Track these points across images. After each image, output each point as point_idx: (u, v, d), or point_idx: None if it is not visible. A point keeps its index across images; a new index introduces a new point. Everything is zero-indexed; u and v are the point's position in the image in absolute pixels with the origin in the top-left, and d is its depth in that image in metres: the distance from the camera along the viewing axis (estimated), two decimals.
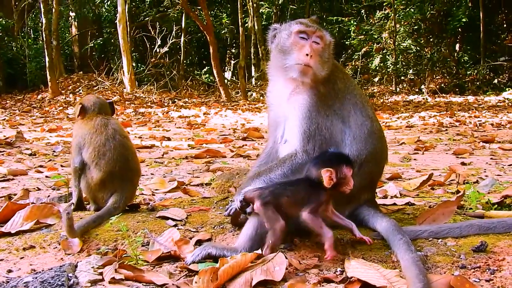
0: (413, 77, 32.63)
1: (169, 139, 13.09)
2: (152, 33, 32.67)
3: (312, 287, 3.26)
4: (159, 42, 33.11)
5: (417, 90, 31.19)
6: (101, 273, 3.51)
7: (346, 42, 33.85)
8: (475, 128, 14.96)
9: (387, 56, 32.18)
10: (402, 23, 32.19)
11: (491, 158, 9.09)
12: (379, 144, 4.13)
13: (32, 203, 5.00)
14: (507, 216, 4.25)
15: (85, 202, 5.01)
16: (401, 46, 32.11)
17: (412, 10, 31.78)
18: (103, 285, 3.40)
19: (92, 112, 4.97)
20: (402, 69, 32.22)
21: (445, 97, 28.25)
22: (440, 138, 12.62)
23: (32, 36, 38.50)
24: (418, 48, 32.63)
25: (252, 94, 30.47)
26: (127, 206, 4.82)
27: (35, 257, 3.93)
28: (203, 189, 6.67)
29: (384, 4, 33.03)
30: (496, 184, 6.16)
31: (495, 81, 31.61)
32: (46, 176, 7.62)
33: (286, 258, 3.49)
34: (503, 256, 3.47)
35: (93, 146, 4.74)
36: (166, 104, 25.61)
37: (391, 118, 18.56)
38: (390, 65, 31.86)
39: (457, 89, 30.88)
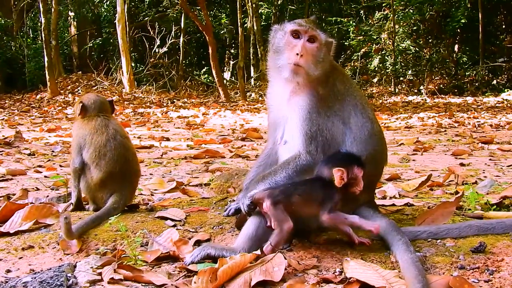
0: (412, 78, 32.65)
1: (168, 139, 13.08)
2: (151, 33, 32.64)
3: (311, 287, 3.26)
4: (158, 42, 33.10)
5: (416, 91, 31.21)
6: (100, 273, 3.51)
7: (345, 43, 33.86)
8: (474, 129, 14.96)
9: (386, 57, 32.20)
10: (401, 24, 32.22)
11: (490, 159, 9.10)
12: (379, 145, 4.13)
13: (31, 203, 5.00)
14: (506, 217, 4.25)
15: (84, 202, 5.01)
16: (400, 47, 32.12)
17: (411, 11, 31.82)
18: (102, 285, 3.41)
19: (93, 111, 4.96)
20: (401, 70, 32.25)
21: (444, 98, 28.27)
22: (439, 139, 12.63)
23: (31, 35, 38.52)
24: (417, 49, 32.66)
25: (251, 95, 30.46)
26: (126, 206, 4.82)
27: (34, 257, 3.93)
28: (202, 190, 6.67)
29: (383, 5, 33.06)
30: (495, 185, 6.17)
31: (494, 82, 31.65)
32: (45, 176, 7.62)
33: (285, 258, 3.49)
34: (502, 256, 3.48)
35: (93, 146, 4.73)
36: (165, 104, 25.60)
37: (390, 119, 18.56)
38: (389, 65, 31.88)
39: (456, 90, 30.90)
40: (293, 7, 38.72)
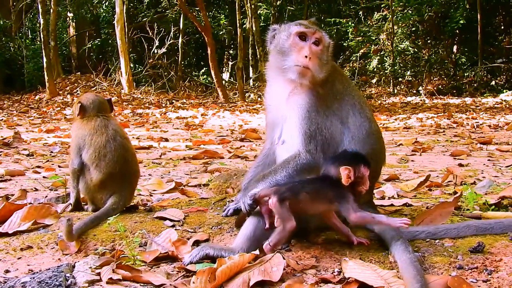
0: (410, 78, 32.71)
1: (166, 140, 13.08)
2: (150, 34, 32.65)
3: (309, 287, 3.26)
4: (157, 43, 33.10)
5: (414, 91, 31.27)
6: (98, 274, 3.51)
7: (344, 44, 33.91)
8: (473, 130, 14.98)
9: (384, 58, 32.24)
10: (400, 24, 32.27)
11: (489, 160, 9.10)
12: (377, 145, 4.14)
13: (30, 203, 5.00)
14: (504, 217, 4.25)
15: (82, 203, 5.00)
16: (399, 48, 32.17)
17: (410, 12, 31.86)
18: (101, 285, 3.41)
19: (92, 111, 4.95)
20: (399, 70, 32.28)
21: (443, 99, 28.30)
22: (437, 140, 12.63)
23: (30, 36, 38.50)
24: (416, 50, 32.71)
25: (250, 95, 30.47)
26: (125, 207, 4.81)
27: (33, 258, 3.93)
28: (201, 190, 6.66)
29: (382, 6, 33.09)
30: (494, 185, 6.17)
31: (493, 82, 31.71)
32: (44, 177, 7.61)
33: (284, 258, 3.49)
34: (500, 257, 3.48)
35: (93, 147, 4.72)
36: (163, 105, 25.60)
37: (388, 120, 18.58)
38: (388, 66, 31.92)
39: (454, 91, 30.95)
40: (292, 8, 38.76)
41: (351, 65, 33.80)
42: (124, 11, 29.77)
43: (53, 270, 3.53)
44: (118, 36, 28.45)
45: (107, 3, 36.27)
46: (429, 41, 33.41)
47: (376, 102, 27.55)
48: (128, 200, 4.85)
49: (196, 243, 4.00)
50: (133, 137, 12.98)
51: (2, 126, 16.79)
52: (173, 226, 4.29)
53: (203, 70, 38.19)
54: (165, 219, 4.42)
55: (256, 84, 33.06)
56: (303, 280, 3.37)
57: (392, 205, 4.96)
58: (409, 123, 17.42)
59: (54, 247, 4.04)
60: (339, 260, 3.58)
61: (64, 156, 9.80)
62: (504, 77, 32.16)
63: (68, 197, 5.24)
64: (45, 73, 27.70)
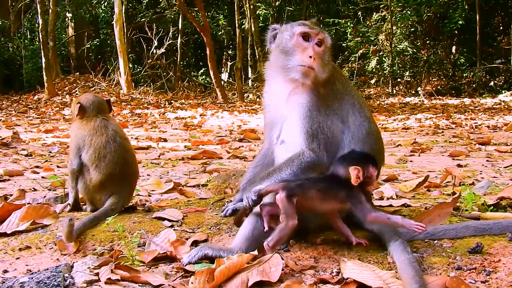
0: (409, 79, 32.70)
1: (165, 140, 13.08)
2: (149, 34, 32.62)
3: None
4: (155, 43, 33.06)
5: (413, 92, 31.27)
6: (97, 274, 3.51)
7: (343, 44, 33.91)
8: (471, 130, 14.99)
9: (383, 58, 32.24)
10: (399, 25, 32.26)
11: (487, 160, 9.11)
12: (377, 145, 4.15)
13: (28, 203, 4.99)
14: (502, 217, 4.26)
15: (81, 203, 5.00)
16: (398, 48, 32.17)
17: (409, 12, 31.84)
18: (99, 286, 3.41)
19: (91, 111, 4.94)
20: (398, 71, 32.29)
21: (442, 99, 28.31)
22: (436, 140, 12.64)
23: (28, 36, 38.47)
24: (415, 50, 32.72)
25: (248, 96, 30.46)
26: (123, 207, 4.81)
27: (31, 258, 3.93)
28: (200, 190, 6.66)
29: (380, 7, 33.09)
30: (492, 186, 6.17)
31: (491, 83, 31.72)
32: (42, 177, 7.61)
33: (282, 259, 3.49)
34: (499, 257, 3.48)
35: (93, 147, 4.72)
36: (162, 105, 25.59)
37: (387, 120, 18.58)
38: (387, 67, 31.93)
39: (453, 91, 30.95)
40: (290, 9, 38.75)
41: (350, 65, 33.80)
42: (123, 11, 29.74)
43: (52, 270, 3.54)
44: (117, 37, 28.43)
45: (106, 4, 36.26)
46: (428, 42, 33.41)
47: (375, 102, 27.56)
48: (127, 201, 4.85)
49: (195, 243, 4.00)
50: (131, 137, 12.97)
51: (0, 126, 16.78)
52: (171, 226, 4.29)
53: (202, 71, 38.20)
54: (163, 219, 4.42)
55: (255, 85, 33.04)
56: (302, 281, 3.37)
57: (391, 205, 4.96)
58: (408, 123, 17.43)
59: (52, 247, 4.04)
60: (337, 261, 3.58)
61: (63, 156, 9.80)
62: (503, 77, 32.18)
63: (66, 197, 5.24)
64: (44, 73, 27.69)
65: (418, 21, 32.23)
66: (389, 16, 31.23)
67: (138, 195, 6.12)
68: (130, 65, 31.55)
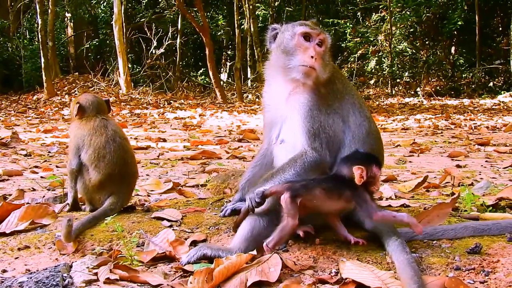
0: (408, 79, 32.72)
1: (164, 140, 13.08)
2: (148, 34, 32.63)
3: None
4: (155, 43, 33.07)
5: (412, 92, 31.28)
6: (96, 274, 3.51)
7: (342, 45, 33.90)
8: (470, 131, 14.99)
9: (383, 59, 32.25)
10: (398, 25, 32.27)
11: (486, 161, 9.11)
12: (376, 145, 4.15)
13: (27, 203, 4.98)
14: (501, 218, 4.26)
15: (80, 203, 5.00)
16: (397, 49, 32.18)
17: (408, 13, 31.85)
18: (98, 285, 3.40)
19: (91, 111, 4.94)
20: (397, 71, 32.30)
21: (441, 100, 28.34)
22: (435, 141, 12.64)
23: (27, 36, 38.40)
24: (414, 51, 32.73)
25: (248, 96, 30.46)
26: (122, 207, 4.81)
27: (30, 257, 3.93)
28: (199, 190, 6.66)
29: (380, 7, 33.09)
30: (491, 186, 6.17)
31: (491, 84, 31.75)
32: (41, 177, 7.61)
33: (281, 259, 3.49)
34: (498, 258, 3.48)
35: (92, 147, 4.71)
36: (161, 105, 25.59)
37: (386, 121, 18.59)
38: (386, 67, 31.94)
39: (452, 92, 30.98)
40: (290, 9, 38.74)
41: (349, 66, 33.80)
42: (122, 11, 29.75)
43: (50, 270, 3.53)
44: (116, 37, 28.43)
45: (105, 4, 36.23)
46: (427, 42, 33.42)
47: (374, 103, 27.56)
48: (126, 201, 4.85)
49: (194, 243, 4.00)
50: (131, 138, 12.97)
51: (0, 126, 16.78)
52: (170, 226, 4.29)
53: (201, 71, 38.20)
54: (162, 219, 4.42)
55: (254, 85, 33.02)
56: (301, 281, 3.37)
57: (389, 206, 4.96)
58: (407, 124, 17.44)
59: (51, 247, 4.04)
60: (336, 261, 3.58)
61: (62, 156, 9.80)
62: (502, 78, 32.21)
63: (65, 197, 5.24)
64: (43, 73, 27.70)
65: (418, 21, 32.26)
66: (388, 17, 31.24)
67: (137, 195, 6.12)
68: (129, 65, 31.52)
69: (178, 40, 33.89)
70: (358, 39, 33.16)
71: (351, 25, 34.16)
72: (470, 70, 32.07)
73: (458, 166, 8.47)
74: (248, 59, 35.09)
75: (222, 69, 40.30)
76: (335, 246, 3.75)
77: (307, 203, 3.59)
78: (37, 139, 12.78)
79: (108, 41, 36.98)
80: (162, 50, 33.11)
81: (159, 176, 7.78)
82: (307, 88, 4.03)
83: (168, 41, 33.23)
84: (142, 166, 8.67)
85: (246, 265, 3.43)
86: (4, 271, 3.72)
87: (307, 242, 3.82)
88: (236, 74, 29.07)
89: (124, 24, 30.11)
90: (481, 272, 3.36)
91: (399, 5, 31.93)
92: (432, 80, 32.34)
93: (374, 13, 34.31)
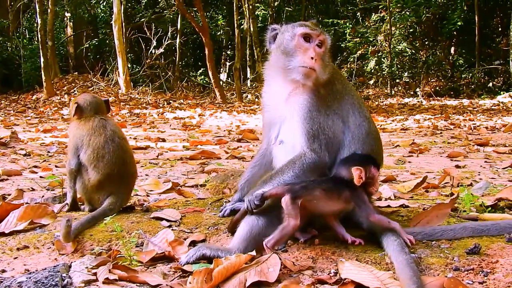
0: (408, 80, 32.70)
1: (164, 140, 13.08)
2: (148, 34, 32.62)
3: None
4: (154, 43, 33.08)
5: (412, 93, 31.27)
6: (95, 274, 3.51)
7: (342, 45, 33.88)
8: (470, 131, 14.99)
9: (382, 59, 32.24)
10: (398, 26, 32.24)
11: (486, 161, 9.11)
12: (376, 145, 4.16)
13: (26, 203, 4.98)
14: (500, 218, 4.26)
15: (79, 203, 5.00)
16: (396, 49, 32.16)
17: (408, 13, 31.83)
18: (97, 286, 3.40)
19: (89, 111, 4.94)
20: (397, 72, 32.29)
21: (440, 100, 28.34)
22: (434, 141, 12.64)
23: (27, 36, 38.42)
24: (413, 51, 32.71)
25: (247, 96, 30.46)
26: (121, 207, 4.81)
27: (29, 257, 3.93)
28: (198, 190, 6.66)
29: (379, 7, 33.07)
30: (490, 187, 6.18)
31: (490, 84, 31.74)
32: (41, 177, 7.61)
33: (280, 259, 3.50)
34: (497, 258, 3.48)
35: (91, 148, 4.71)
36: (161, 105, 25.59)
37: (386, 121, 18.59)
38: (385, 68, 31.93)
39: (452, 92, 30.97)
40: (289, 9, 38.73)
41: (348, 66, 33.77)
42: (122, 11, 29.74)
43: (50, 270, 3.53)
44: (116, 36, 28.43)
45: (104, 3, 36.23)
46: (426, 43, 33.41)
47: (374, 103, 27.57)
48: (125, 201, 4.85)
49: (193, 243, 4.00)
50: (130, 137, 12.95)
51: None
52: (169, 226, 4.29)
53: (200, 71, 38.17)
54: (161, 219, 4.43)
55: (254, 85, 33.01)
56: (300, 281, 3.37)
57: (389, 206, 4.96)
58: (406, 124, 17.44)
59: (50, 247, 4.04)
60: (335, 261, 3.58)
61: (61, 156, 9.80)
62: (502, 78, 32.20)
63: (64, 197, 5.24)
64: (43, 73, 27.70)
65: (417, 22, 32.23)
66: (388, 17, 31.22)
67: (137, 195, 6.13)
68: (129, 65, 31.51)
69: (177, 40, 33.88)
70: (358, 39, 33.13)
71: (350, 25, 34.12)
72: (469, 71, 32.05)
73: (457, 166, 8.47)
74: (248, 59, 35.08)
75: (221, 69, 40.28)
76: (334, 247, 3.75)
77: (307, 204, 3.61)
78: (36, 139, 12.78)
79: (107, 41, 36.96)
80: (161, 50, 33.12)
81: (158, 176, 7.78)
82: (307, 89, 4.03)
83: (167, 41, 33.23)
84: (141, 166, 8.67)
85: (245, 265, 3.43)
86: (3, 271, 3.72)
87: (306, 242, 3.82)
88: (235, 74, 29.07)
89: (123, 23, 30.10)
90: (480, 272, 3.36)
91: (398, 5, 31.90)
92: (432, 80, 32.33)
93: (373, 13, 34.27)
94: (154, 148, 11.49)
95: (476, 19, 30.91)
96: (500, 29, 34.59)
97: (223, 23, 39.87)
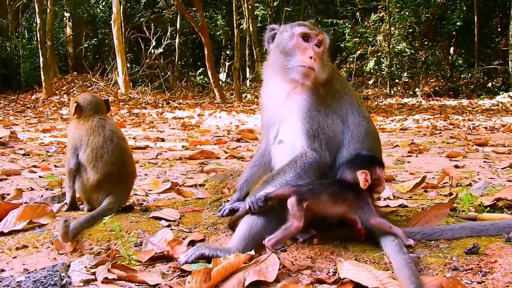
0: (407, 80, 32.69)
1: (163, 140, 13.08)
2: (147, 34, 32.61)
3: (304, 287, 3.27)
4: (153, 43, 33.05)
5: (411, 93, 31.27)
6: (94, 273, 3.51)
7: (341, 45, 33.87)
8: (469, 131, 14.99)
9: (381, 59, 32.23)
10: (397, 26, 32.24)
11: (485, 161, 9.12)
12: (375, 144, 4.16)
13: (25, 203, 4.99)
14: (499, 218, 4.26)
15: (78, 202, 5.00)
16: (396, 49, 32.15)
17: (407, 13, 31.83)
18: (96, 285, 3.41)
19: (88, 111, 4.94)
20: (396, 72, 32.28)
21: (439, 100, 28.33)
22: (433, 141, 12.65)
23: (26, 36, 38.40)
24: (413, 51, 32.71)
25: (246, 96, 30.45)
26: (120, 207, 4.81)
27: (28, 257, 3.93)
28: (197, 190, 6.66)
29: (379, 7, 33.07)
30: (489, 187, 6.18)
31: (489, 84, 31.75)
32: (40, 176, 7.61)
33: (279, 259, 3.50)
34: (495, 258, 3.48)
35: (90, 147, 4.71)
36: (160, 105, 25.58)
37: (385, 121, 18.59)
38: (385, 68, 31.92)
39: (451, 92, 30.97)
40: (289, 9, 38.73)
41: (348, 66, 33.77)
42: (121, 11, 29.73)
43: (48, 269, 3.54)
44: (115, 36, 28.42)
45: (104, 3, 36.22)
46: (426, 43, 33.41)
47: (373, 103, 27.56)
48: (124, 201, 4.86)
49: (192, 243, 4.00)
50: (129, 137, 12.95)
51: None
52: (168, 226, 4.29)
53: (200, 71, 38.14)
54: (160, 219, 4.43)
55: (253, 85, 32.99)
56: (298, 281, 3.37)
57: (387, 206, 4.97)
58: (406, 124, 17.44)
59: (49, 247, 4.04)
60: (334, 261, 3.59)
61: (60, 156, 9.80)
62: (501, 79, 32.20)
63: (63, 196, 5.24)
64: (42, 72, 27.68)
65: (416, 22, 32.23)
66: (387, 17, 31.22)
67: (136, 194, 6.12)
68: (128, 65, 31.50)
69: (177, 40, 33.86)
70: (357, 39, 33.12)
71: (350, 25, 34.10)
72: (468, 71, 32.05)
73: (456, 166, 8.48)
74: (247, 59, 35.08)
75: (220, 69, 40.28)
76: (332, 246, 3.75)
77: (313, 206, 3.62)
78: (35, 139, 12.77)
79: (106, 41, 36.96)
80: (160, 50, 33.09)
81: (157, 176, 7.78)
82: (306, 89, 4.03)
83: (167, 40, 33.20)
84: (141, 166, 8.67)
85: (244, 265, 3.43)
86: (2, 270, 3.72)
87: (305, 242, 3.82)
88: (234, 74, 29.05)
89: (123, 23, 30.10)
90: (479, 272, 3.37)
91: (398, 5, 31.90)
92: (431, 80, 32.33)
93: (373, 13, 34.26)
94: (153, 148, 11.48)
95: (476, 19, 30.93)
96: (499, 29, 34.62)
97: (222, 23, 39.87)
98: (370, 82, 33.32)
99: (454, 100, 28.10)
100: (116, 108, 22.35)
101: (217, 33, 39.17)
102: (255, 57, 31.61)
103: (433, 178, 7.38)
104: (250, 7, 31.17)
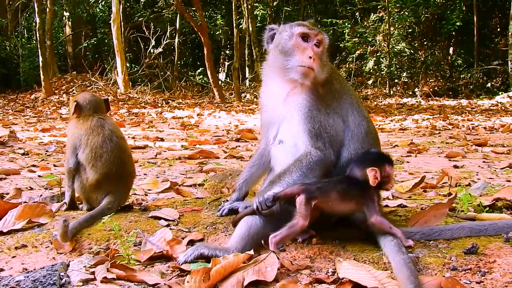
0: (406, 80, 32.70)
1: (162, 139, 13.08)
2: (146, 33, 32.61)
3: (303, 287, 3.27)
4: (153, 42, 33.05)
5: (410, 93, 31.27)
6: (93, 273, 3.51)
7: (340, 45, 33.87)
8: (468, 132, 15.00)
9: (381, 59, 32.23)
10: (396, 26, 32.25)
11: (484, 161, 9.12)
12: (375, 144, 4.16)
13: (25, 202, 4.99)
14: (498, 218, 4.26)
15: (77, 202, 5.00)
16: (395, 49, 32.17)
17: (406, 13, 31.84)
18: (95, 285, 3.40)
19: (88, 110, 4.94)
20: (395, 72, 32.28)
21: (439, 100, 28.33)
22: (433, 141, 12.65)
23: (25, 35, 38.37)
24: (412, 51, 32.71)
25: (245, 96, 30.45)
26: (120, 206, 4.81)
27: (27, 256, 3.93)
28: (196, 190, 6.67)
29: (378, 7, 33.08)
30: (488, 187, 6.18)
31: (489, 85, 31.75)
32: (39, 176, 7.61)
33: (278, 258, 3.50)
34: (494, 258, 3.48)
35: (89, 147, 4.71)
36: (159, 104, 25.58)
37: (384, 121, 18.59)
38: (384, 67, 31.92)
39: (450, 93, 30.98)
40: (288, 9, 38.73)
41: (347, 66, 33.78)
42: (121, 10, 29.75)
43: (48, 269, 3.54)
44: (114, 36, 28.42)
45: (103, 3, 36.26)
46: (425, 43, 33.41)
47: (372, 103, 27.57)
48: (123, 200, 4.86)
49: (191, 242, 4.01)
50: (128, 137, 12.95)
51: None
52: (168, 225, 4.29)
53: (199, 70, 38.13)
54: (160, 218, 4.43)
55: (252, 85, 32.99)
56: (297, 280, 3.37)
57: (387, 206, 4.96)
58: (405, 124, 17.44)
59: (48, 246, 4.04)
60: (333, 261, 3.59)
61: (60, 155, 9.80)
62: (500, 79, 32.21)
63: (63, 196, 5.24)
64: (41, 72, 27.65)
65: (416, 22, 32.23)
66: (386, 17, 31.22)
67: (135, 194, 6.13)
68: (128, 65, 31.51)
69: (176, 40, 33.86)
70: (357, 39, 33.12)
71: (349, 25, 34.11)
72: (468, 71, 32.06)
73: (455, 166, 8.48)
74: (247, 58, 35.07)
75: (220, 69, 40.26)
76: (331, 246, 3.75)
77: (322, 205, 3.63)
78: (34, 138, 12.77)
79: (106, 40, 36.97)
80: (160, 50, 33.11)
81: (157, 176, 7.78)
82: (305, 89, 4.02)
83: (166, 40, 33.22)
84: (140, 166, 8.67)
85: (243, 264, 3.43)
86: (1, 269, 3.72)
87: (304, 242, 3.82)
88: (234, 74, 29.05)
89: (122, 23, 30.11)
90: (478, 272, 3.37)
91: (397, 5, 31.90)
92: (430, 80, 32.34)
93: (372, 13, 34.27)
94: (152, 148, 11.49)
95: (475, 19, 30.94)
96: (498, 29, 34.61)
97: (221, 22, 39.87)
98: (370, 82, 33.32)
99: (454, 100, 28.10)
100: (116, 108, 22.35)
101: (217, 33, 39.17)
102: (255, 57, 31.59)
103: (432, 178, 7.38)
104: (249, 7, 31.15)
